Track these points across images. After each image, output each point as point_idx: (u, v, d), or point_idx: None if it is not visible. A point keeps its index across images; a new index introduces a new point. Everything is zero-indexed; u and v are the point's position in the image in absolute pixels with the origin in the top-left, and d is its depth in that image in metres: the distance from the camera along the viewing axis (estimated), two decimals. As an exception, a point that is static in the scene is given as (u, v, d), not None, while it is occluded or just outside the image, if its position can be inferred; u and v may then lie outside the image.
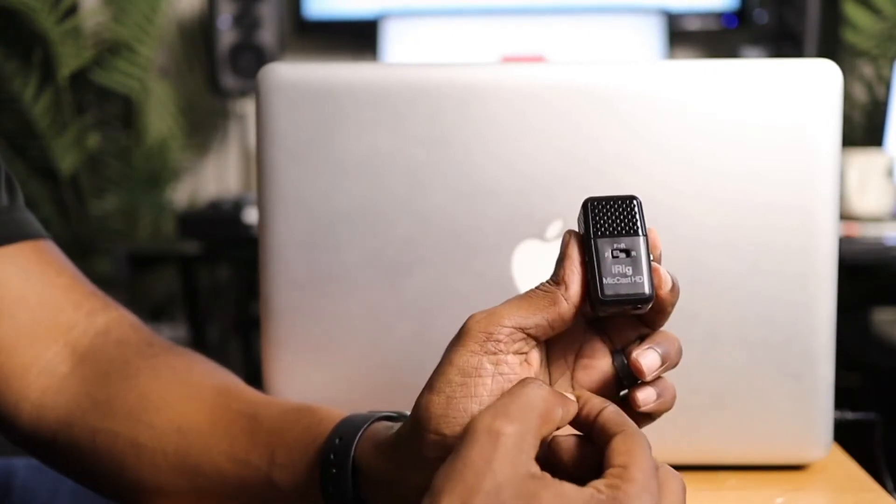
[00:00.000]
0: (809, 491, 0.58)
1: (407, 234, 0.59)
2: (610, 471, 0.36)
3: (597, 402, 0.41)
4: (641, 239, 0.42)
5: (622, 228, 0.42)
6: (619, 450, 0.37)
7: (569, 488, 0.35)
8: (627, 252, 0.41)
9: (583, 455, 0.40)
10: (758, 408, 0.59)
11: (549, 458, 0.40)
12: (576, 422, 0.41)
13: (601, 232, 0.42)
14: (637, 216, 0.42)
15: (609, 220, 0.42)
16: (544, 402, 0.38)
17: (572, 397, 0.41)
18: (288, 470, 0.50)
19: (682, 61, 0.59)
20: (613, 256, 0.41)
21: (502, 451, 0.35)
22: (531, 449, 0.37)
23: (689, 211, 0.58)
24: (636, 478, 0.36)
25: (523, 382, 0.39)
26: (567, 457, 0.40)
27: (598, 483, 0.36)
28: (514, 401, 0.38)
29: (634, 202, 0.42)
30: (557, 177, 0.58)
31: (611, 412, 0.40)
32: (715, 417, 0.59)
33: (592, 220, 0.42)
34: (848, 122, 2.35)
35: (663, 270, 0.42)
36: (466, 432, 0.37)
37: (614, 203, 0.42)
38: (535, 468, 0.36)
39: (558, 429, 0.40)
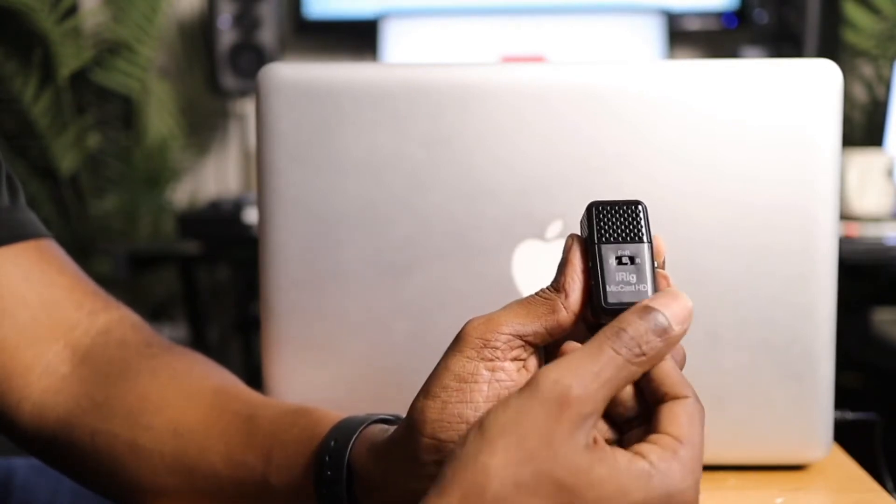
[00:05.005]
0: (809, 491, 0.58)
1: (407, 234, 0.59)
2: (664, 440, 0.35)
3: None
4: (646, 246, 0.41)
5: (627, 235, 0.41)
6: (678, 420, 0.36)
7: (621, 460, 0.34)
8: (632, 259, 0.41)
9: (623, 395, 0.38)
10: (758, 408, 0.59)
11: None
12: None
13: (605, 238, 0.41)
14: (642, 222, 0.41)
15: (614, 225, 0.41)
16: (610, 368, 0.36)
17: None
18: (284, 471, 0.50)
19: (682, 61, 0.59)
20: (617, 263, 0.41)
21: (566, 419, 0.34)
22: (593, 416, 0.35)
23: (689, 211, 0.58)
24: (688, 458, 0.34)
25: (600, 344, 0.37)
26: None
27: (650, 454, 0.35)
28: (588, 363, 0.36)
29: (640, 208, 0.42)
30: (557, 177, 0.58)
31: (670, 367, 0.38)
32: (715, 417, 0.59)
33: (597, 226, 0.41)
34: (848, 122, 2.35)
35: (672, 281, 0.42)
36: (530, 385, 0.35)
37: (619, 208, 0.42)
38: (590, 438, 0.35)
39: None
